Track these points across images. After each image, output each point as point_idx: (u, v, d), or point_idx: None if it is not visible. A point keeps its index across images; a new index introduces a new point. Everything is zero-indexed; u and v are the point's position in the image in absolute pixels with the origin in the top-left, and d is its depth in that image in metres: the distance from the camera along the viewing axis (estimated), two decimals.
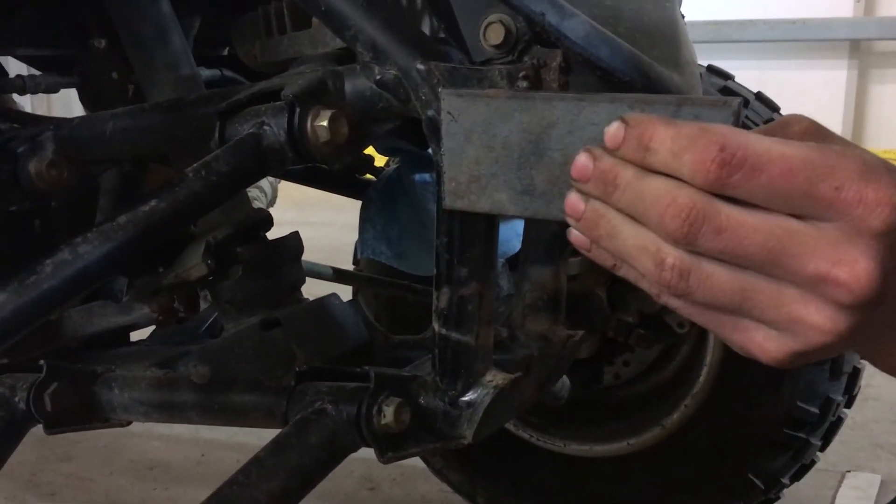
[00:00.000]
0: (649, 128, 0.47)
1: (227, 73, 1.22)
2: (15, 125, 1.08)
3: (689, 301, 0.48)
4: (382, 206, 1.34)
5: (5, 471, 0.92)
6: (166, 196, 0.65)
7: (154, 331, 1.16)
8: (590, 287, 1.48)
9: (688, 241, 0.45)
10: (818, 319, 0.44)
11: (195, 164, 0.68)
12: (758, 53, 5.19)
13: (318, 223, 4.08)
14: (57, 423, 0.93)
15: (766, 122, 1.35)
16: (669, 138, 0.46)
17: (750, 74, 1.34)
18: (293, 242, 0.95)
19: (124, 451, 2.01)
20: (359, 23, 0.69)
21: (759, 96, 1.43)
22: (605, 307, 1.49)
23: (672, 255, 0.46)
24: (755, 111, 1.40)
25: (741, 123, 0.48)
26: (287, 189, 4.23)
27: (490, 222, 0.71)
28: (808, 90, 5.09)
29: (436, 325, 0.73)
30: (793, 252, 0.44)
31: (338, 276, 1.45)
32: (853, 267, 0.43)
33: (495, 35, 0.65)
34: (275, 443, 0.73)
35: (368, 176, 1.45)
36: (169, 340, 1.10)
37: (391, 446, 0.75)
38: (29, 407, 0.92)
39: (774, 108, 1.43)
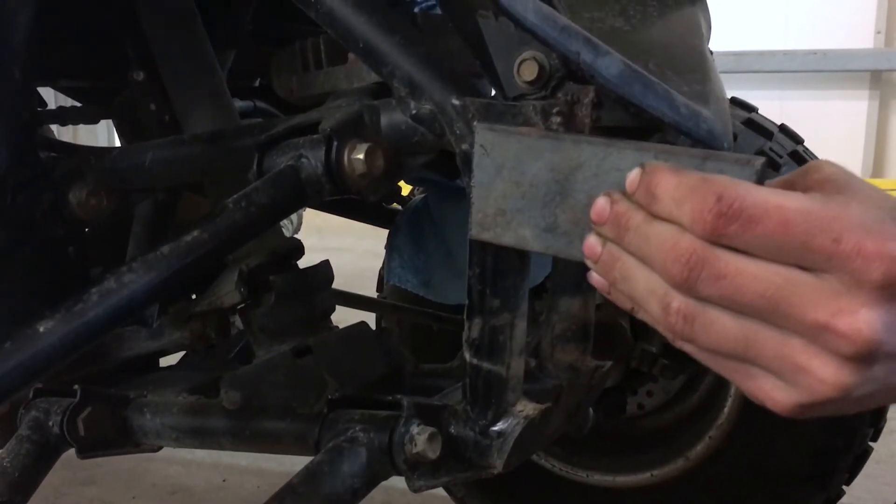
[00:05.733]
0: (657, 175, 0.49)
1: (260, 104, 1.24)
2: (53, 154, 1.11)
3: (697, 346, 0.49)
4: (409, 234, 1.35)
5: None
6: (208, 227, 0.67)
7: (184, 356, 1.17)
8: (613, 316, 1.48)
9: (688, 286, 0.46)
10: (821, 371, 0.44)
11: (235, 196, 0.69)
12: (778, 84, 5.19)
13: (339, 249, 4.11)
14: (90, 448, 0.94)
15: (791, 154, 1.35)
16: (672, 187, 0.47)
17: (770, 105, 1.36)
18: (324, 271, 0.96)
19: (146, 476, 2.02)
20: (396, 59, 0.70)
21: (783, 128, 1.43)
22: (629, 337, 1.49)
23: (678, 300, 0.48)
24: (779, 143, 1.40)
25: (764, 181, 0.48)
26: (308, 216, 4.26)
27: (522, 254, 0.72)
28: (829, 121, 5.09)
29: (467, 355, 0.74)
30: (793, 301, 0.44)
31: (363, 303, 1.46)
32: (853, 318, 0.42)
33: (529, 71, 0.66)
34: (307, 470, 0.74)
35: (395, 205, 1.47)
36: (199, 367, 1.12)
37: (422, 475, 0.75)
38: (62, 431, 0.93)
39: (798, 141, 1.43)
